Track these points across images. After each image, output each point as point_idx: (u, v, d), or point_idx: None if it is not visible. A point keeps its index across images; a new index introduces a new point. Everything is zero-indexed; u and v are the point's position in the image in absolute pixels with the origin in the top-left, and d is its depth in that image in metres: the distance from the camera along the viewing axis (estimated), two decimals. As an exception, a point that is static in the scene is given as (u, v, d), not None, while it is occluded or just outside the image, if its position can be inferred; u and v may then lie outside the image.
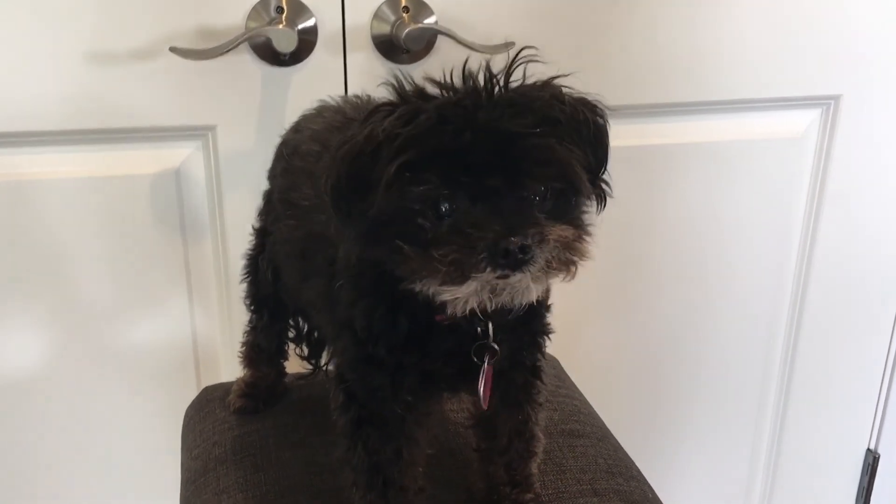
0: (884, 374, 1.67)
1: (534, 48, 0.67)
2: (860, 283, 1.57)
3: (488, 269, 0.63)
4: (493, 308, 0.67)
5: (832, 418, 1.68)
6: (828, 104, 1.43)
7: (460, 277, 0.63)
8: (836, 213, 1.49)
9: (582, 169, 0.68)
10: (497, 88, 0.66)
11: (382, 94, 0.71)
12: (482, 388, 0.78)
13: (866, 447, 1.73)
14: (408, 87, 0.68)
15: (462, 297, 0.65)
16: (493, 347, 0.76)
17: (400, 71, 0.69)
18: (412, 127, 0.64)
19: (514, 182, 0.65)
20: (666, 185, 1.43)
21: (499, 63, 0.68)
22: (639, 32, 1.31)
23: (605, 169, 0.72)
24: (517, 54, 0.68)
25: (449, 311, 0.68)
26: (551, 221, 0.66)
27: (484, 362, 0.76)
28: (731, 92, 1.38)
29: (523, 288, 0.65)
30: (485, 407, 0.80)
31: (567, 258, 0.66)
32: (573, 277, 0.67)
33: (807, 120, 1.44)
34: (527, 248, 0.63)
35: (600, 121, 0.71)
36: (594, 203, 0.71)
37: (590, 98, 0.71)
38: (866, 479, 1.74)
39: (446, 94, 0.67)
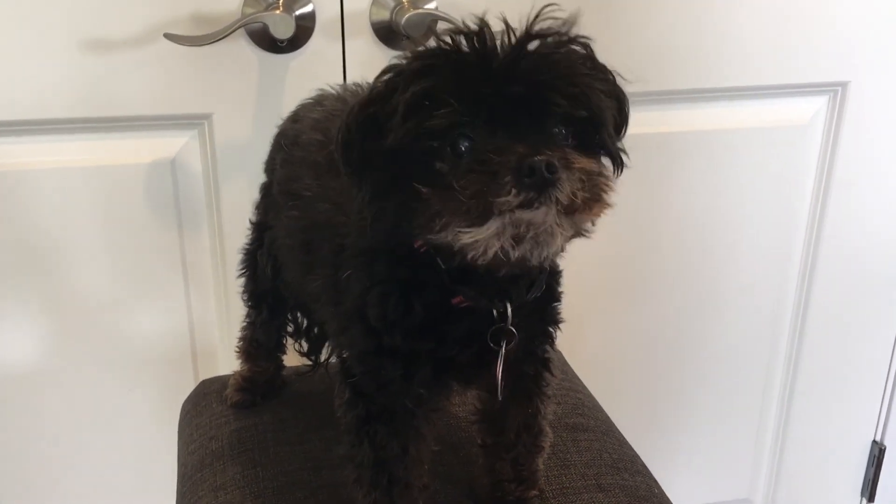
0: (890, 366, 1.65)
1: (555, 4, 0.64)
2: (867, 273, 1.55)
3: (513, 192, 0.58)
4: (516, 258, 0.63)
5: (838, 410, 1.67)
6: (835, 91, 1.40)
7: (483, 213, 0.59)
8: (843, 200, 1.47)
9: (608, 101, 0.66)
10: (511, 32, 0.64)
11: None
12: (500, 374, 0.75)
13: (872, 439, 1.72)
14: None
15: (483, 238, 0.61)
16: (511, 331, 0.73)
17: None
18: (431, 53, 0.62)
19: (539, 96, 0.62)
20: (671, 173, 1.41)
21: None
22: (642, 19, 1.29)
23: (625, 132, 0.70)
24: (542, 9, 0.65)
25: (469, 257, 0.63)
26: (575, 152, 0.63)
27: (500, 346, 0.74)
28: (736, 79, 1.36)
29: (547, 230, 0.61)
30: (500, 397, 0.78)
31: (592, 194, 0.62)
32: (597, 219, 0.63)
33: (814, 107, 1.42)
34: (553, 166, 0.58)
35: (618, 83, 0.68)
36: (612, 167, 0.68)
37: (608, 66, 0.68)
38: (872, 470, 1.73)
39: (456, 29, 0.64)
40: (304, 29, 1.18)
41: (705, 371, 1.58)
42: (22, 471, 1.37)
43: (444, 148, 0.62)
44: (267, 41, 1.17)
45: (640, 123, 1.32)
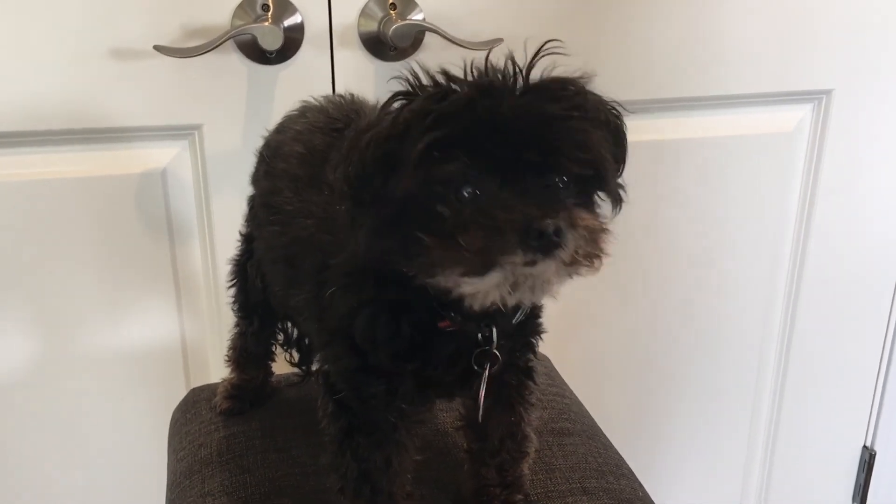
0: (879, 371, 1.66)
1: (558, 41, 0.65)
2: (854, 279, 1.56)
3: (519, 253, 0.59)
4: (512, 304, 0.65)
5: (828, 415, 1.68)
6: (819, 99, 1.42)
7: (486, 266, 0.60)
8: (828, 207, 1.49)
9: (611, 148, 0.67)
10: (522, 76, 0.64)
11: (368, 93, 0.69)
12: (482, 397, 0.77)
13: (862, 444, 1.72)
14: (423, 80, 0.66)
15: (483, 289, 0.62)
16: (495, 354, 0.75)
17: (416, 62, 0.68)
18: (446, 104, 0.62)
19: (549, 162, 0.62)
20: (658, 181, 1.42)
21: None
22: (628, 29, 1.30)
23: (623, 171, 0.71)
24: (542, 46, 0.66)
25: (467, 305, 0.65)
26: (579, 209, 0.64)
27: (484, 370, 0.75)
28: (722, 87, 1.37)
29: (545, 280, 0.62)
30: (479, 419, 0.80)
31: (592, 250, 0.63)
32: (597, 272, 0.65)
33: (798, 115, 1.43)
34: (560, 231, 0.60)
35: (619, 122, 0.69)
36: (611, 204, 0.70)
37: (606, 98, 0.69)
38: (863, 476, 1.74)
39: (472, 80, 0.64)
40: (293, 40, 1.19)
41: (695, 376, 1.59)
42: (11, 478, 1.37)
43: (448, 194, 0.62)
44: (256, 52, 1.19)
45: (629, 132, 1.35)
